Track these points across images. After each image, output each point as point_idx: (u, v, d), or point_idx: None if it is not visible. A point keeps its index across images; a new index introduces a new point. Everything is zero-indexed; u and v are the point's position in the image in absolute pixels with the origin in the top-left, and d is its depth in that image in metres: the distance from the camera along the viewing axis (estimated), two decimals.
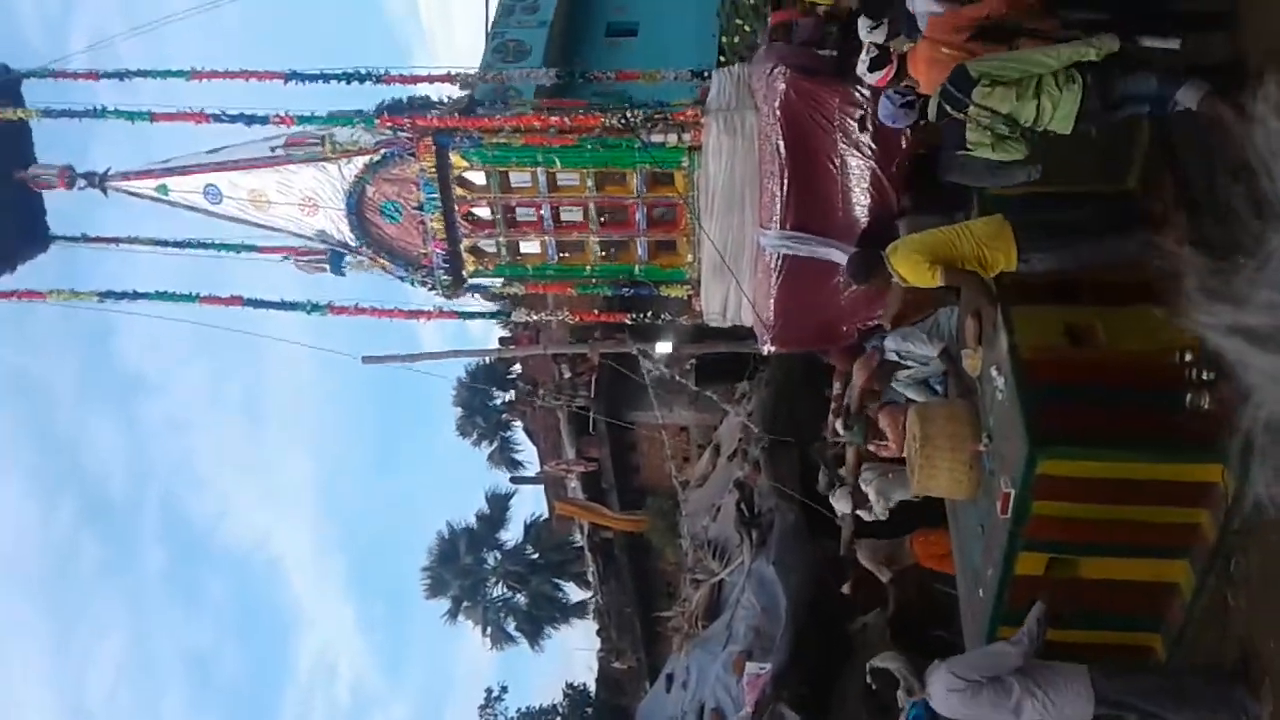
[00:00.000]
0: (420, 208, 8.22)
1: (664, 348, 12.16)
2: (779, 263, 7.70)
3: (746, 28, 12.45)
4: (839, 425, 8.25)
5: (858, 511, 8.52)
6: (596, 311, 10.29)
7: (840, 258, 7.44)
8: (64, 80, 8.81)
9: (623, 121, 7.95)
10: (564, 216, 8.28)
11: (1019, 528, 5.30)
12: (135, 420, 75.52)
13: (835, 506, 8.93)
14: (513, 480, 21.87)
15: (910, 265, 5.73)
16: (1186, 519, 5.19)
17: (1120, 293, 5.64)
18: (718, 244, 7.86)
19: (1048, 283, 5.88)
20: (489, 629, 21.01)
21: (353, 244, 8.53)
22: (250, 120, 8.13)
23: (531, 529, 21.42)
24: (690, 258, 8.15)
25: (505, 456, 21.54)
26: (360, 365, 12.36)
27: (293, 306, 8.92)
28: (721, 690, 10.87)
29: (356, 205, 8.41)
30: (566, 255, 8.36)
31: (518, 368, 19.60)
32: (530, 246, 8.45)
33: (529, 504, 21.73)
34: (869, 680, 5.46)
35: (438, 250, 8.26)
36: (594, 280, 8.56)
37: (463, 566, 20.71)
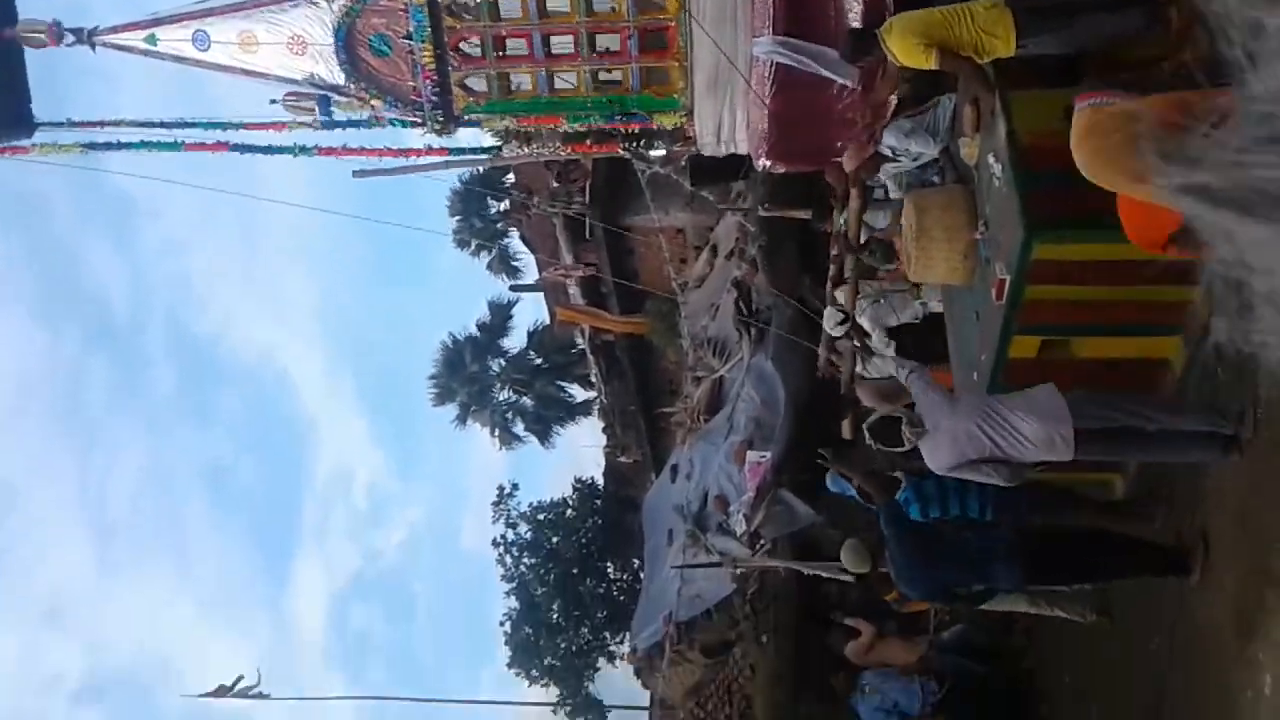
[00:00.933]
0: (409, 37, 8.07)
1: (657, 149, 11.96)
2: (772, 72, 7.64)
3: None
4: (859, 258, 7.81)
5: (860, 372, 8.58)
6: (590, 143, 9.93)
7: (831, 70, 7.46)
8: None
9: None
10: (555, 48, 8.22)
11: (1013, 312, 5.42)
12: (133, 243, 75.09)
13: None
14: (512, 288, 21.98)
15: (905, 46, 5.59)
16: (1179, 296, 5.29)
17: (1122, 71, 5.53)
18: (710, 61, 7.83)
19: (1048, 66, 5.76)
20: (498, 430, 21.62)
21: (342, 83, 8.37)
22: None
23: (534, 335, 21.69)
24: (683, 84, 8.01)
25: (504, 265, 21.55)
26: (354, 181, 12.26)
27: (280, 150, 8.80)
28: (724, 478, 11.35)
29: (345, 39, 8.27)
30: (558, 88, 8.27)
31: (511, 176, 19.37)
32: (521, 80, 8.38)
33: (530, 312, 21.88)
34: (869, 439, 5.70)
35: (427, 82, 8.15)
36: (587, 112, 8.43)
37: (469, 374, 21.10)
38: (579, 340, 20.03)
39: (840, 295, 8.28)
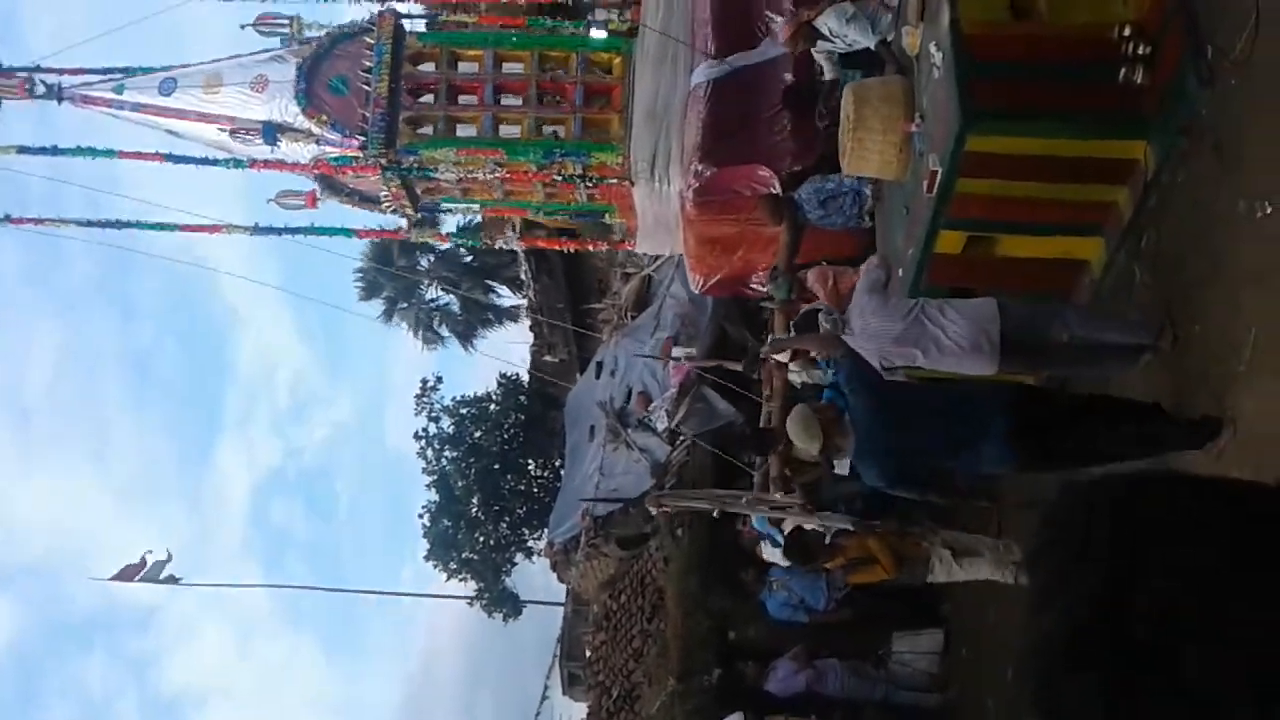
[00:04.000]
0: (368, 72, 8.30)
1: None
2: (707, 90, 8.05)
3: None
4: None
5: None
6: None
7: (760, 54, 8.03)
8: None
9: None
10: (505, 99, 8.73)
11: (943, 205, 5.37)
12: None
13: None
14: None
15: None
16: (1105, 196, 5.30)
17: None
18: (648, 96, 8.36)
19: None
20: (421, 330, 21.35)
21: (294, 116, 8.49)
22: None
23: (464, 231, 21.30)
24: (622, 131, 8.40)
25: None
26: None
27: (214, 163, 8.71)
28: (648, 375, 11.35)
29: (307, 79, 8.44)
30: (503, 132, 8.63)
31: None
32: (467, 129, 8.73)
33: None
34: (792, 330, 5.67)
35: (377, 111, 8.28)
36: (528, 155, 8.65)
37: (396, 269, 20.71)
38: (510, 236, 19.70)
39: None
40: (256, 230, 8.90)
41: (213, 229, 8.93)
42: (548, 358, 19.50)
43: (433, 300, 21.55)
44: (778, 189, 7.68)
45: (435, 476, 19.81)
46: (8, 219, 8.85)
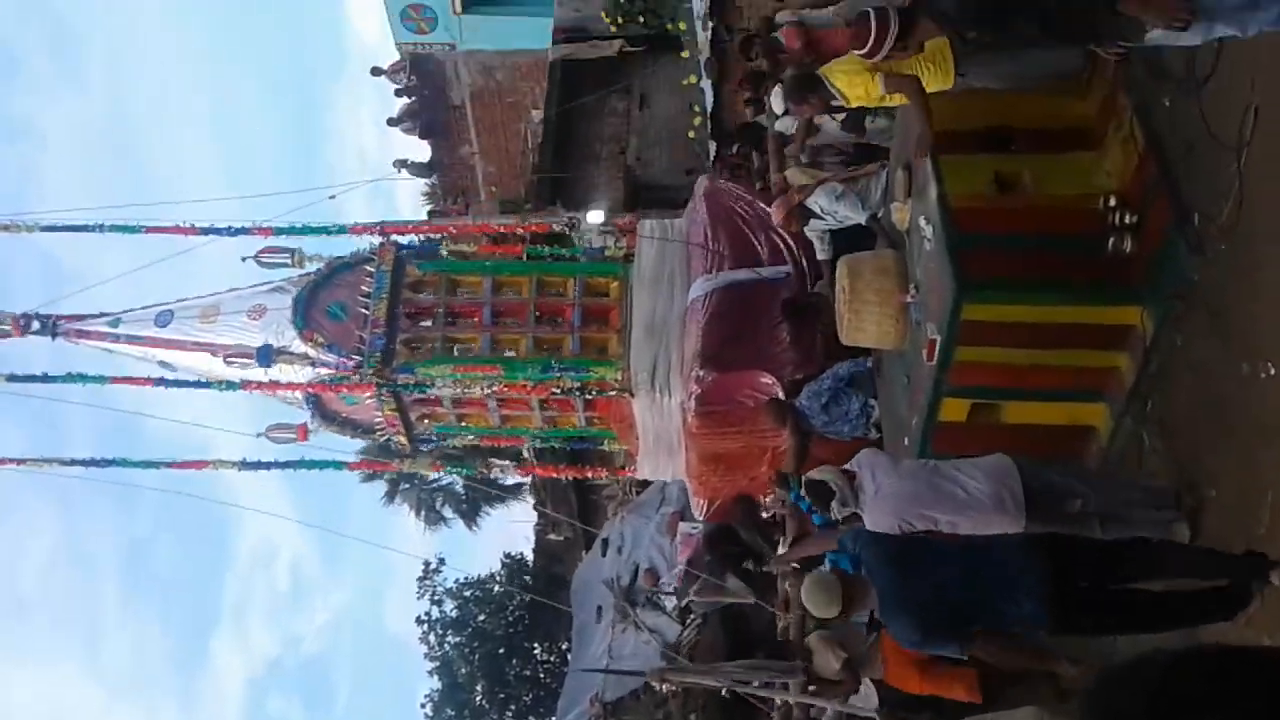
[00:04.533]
0: (367, 297, 8.48)
1: (596, 216, 11.96)
2: (706, 302, 8.14)
3: None
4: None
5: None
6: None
7: (756, 273, 8.18)
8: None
9: (567, 225, 9.51)
10: (502, 320, 8.83)
11: (944, 373, 5.38)
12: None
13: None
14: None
15: (849, 75, 5.55)
16: (1105, 362, 5.30)
17: (1051, 139, 5.63)
18: (646, 312, 8.47)
19: (979, 130, 5.83)
20: (423, 511, 21.14)
21: (291, 338, 8.56)
22: (234, 232, 8.50)
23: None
24: (620, 348, 8.48)
25: None
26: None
27: (207, 385, 8.70)
28: (655, 551, 11.11)
29: (305, 306, 8.63)
30: (499, 349, 8.73)
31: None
32: (466, 345, 8.85)
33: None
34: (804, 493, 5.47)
35: (375, 332, 8.40)
36: (525, 372, 8.69)
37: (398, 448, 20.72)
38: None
39: None
40: (244, 466, 8.76)
41: (199, 465, 8.78)
42: (552, 536, 19.23)
43: (434, 480, 21.43)
44: (780, 394, 7.58)
45: (438, 663, 19.19)
46: None
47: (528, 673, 19.15)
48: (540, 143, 14.89)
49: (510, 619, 19.01)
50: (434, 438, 9.38)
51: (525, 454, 9.63)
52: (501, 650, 18.77)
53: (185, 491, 9.26)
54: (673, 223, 9.11)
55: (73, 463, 8.65)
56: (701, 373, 7.84)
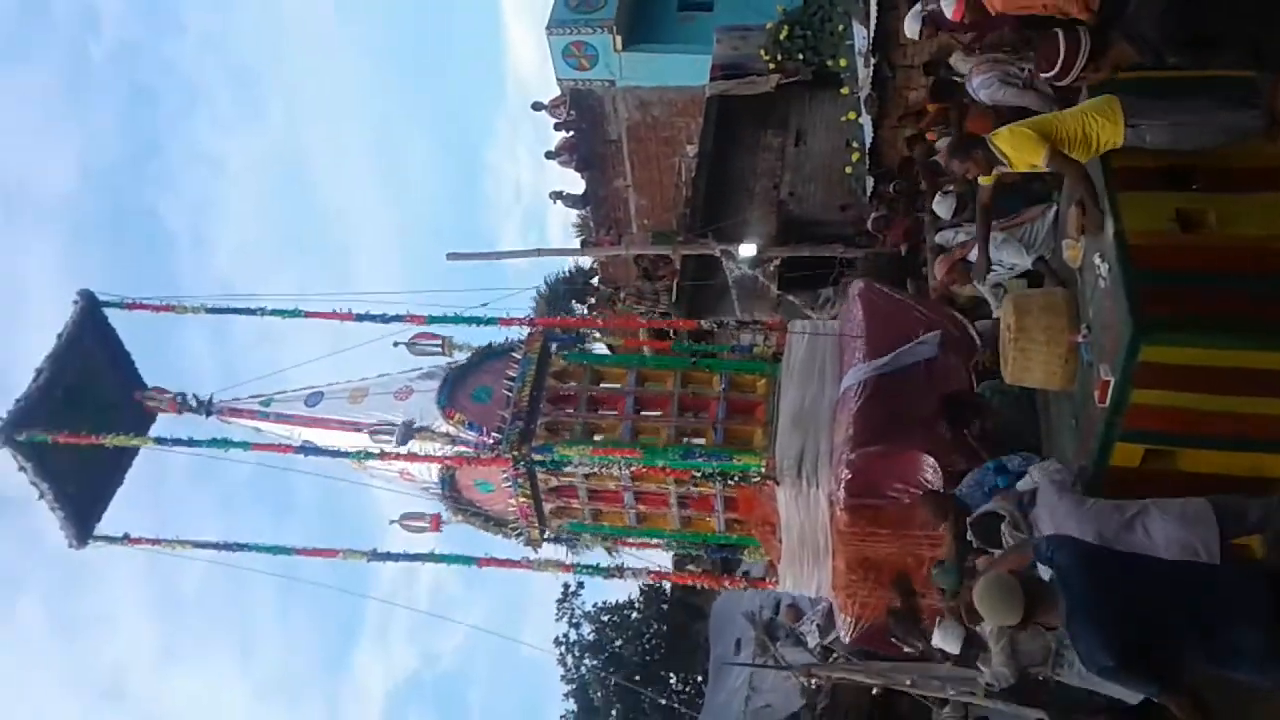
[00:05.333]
0: (510, 379, 8.53)
1: (748, 249, 12.08)
2: (860, 390, 7.65)
3: None
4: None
5: None
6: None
7: (911, 352, 7.66)
8: (137, 311, 8.96)
9: (715, 324, 9.61)
10: (644, 412, 8.64)
11: (1117, 417, 5.21)
12: (227, 336, 77.72)
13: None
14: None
15: (1015, 141, 5.49)
16: None
17: (1236, 178, 5.41)
18: (794, 402, 8.10)
19: (1159, 167, 5.65)
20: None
21: (434, 417, 8.58)
22: (389, 319, 8.68)
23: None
24: (765, 441, 8.09)
25: None
26: (447, 262, 12.59)
27: (344, 455, 8.53)
28: None
29: (451, 387, 8.71)
30: (641, 435, 8.45)
31: (596, 280, 19.72)
32: (605, 435, 8.61)
33: None
34: (969, 538, 5.33)
35: (515, 412, 8.35)
36: (665, 458, 8.31)
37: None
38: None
39: None
40: (374, 557, 8.68)
41: (329, 554, 8.65)
42: (690, 567, 19.30)
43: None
44: (939, 484, 6.96)
45: (574, 685, 19.41)
46: (126, 538, 8.95)
47: (662, 701, 19.14)
48: (694, 176, 15.12)
49: (647, 646, 19.11)
50: (565, 536, 9.08)
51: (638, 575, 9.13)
52: (637, 677, 18.85)
53: (317, 582, 9.16)
54: (824, 322, 8.98)
55: (204, 545, 8.81)
56: (853, 455, 7.17)
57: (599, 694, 18.83)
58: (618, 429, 8.34)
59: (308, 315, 8.82)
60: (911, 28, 8.08)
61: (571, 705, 19.28)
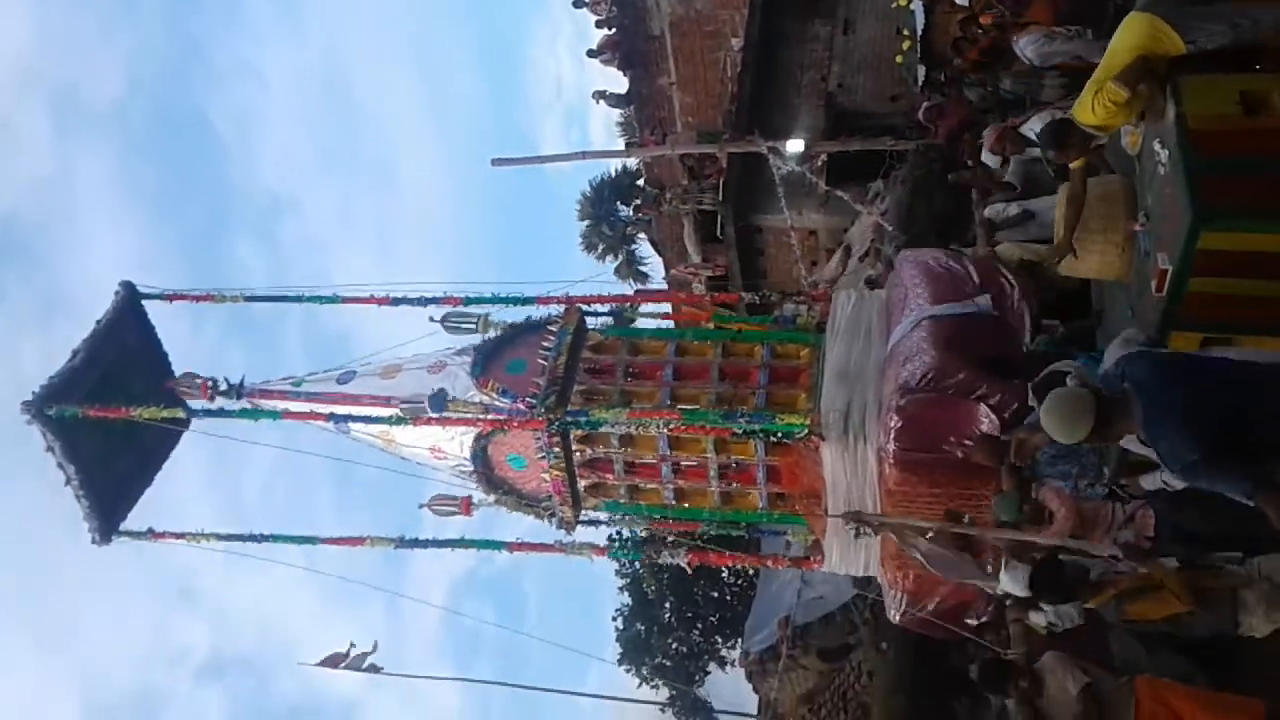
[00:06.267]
0: (547, 350, 8.20)
1: (796, 145, 11.92)
2: (907, 339, 7.14)
3: None
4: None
5: None
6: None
7: (962, 306, 7.12)
8: (179, 302, 8.94)
9: (761, 296, 9.06)
10: (684, 379, 8.10)
11: (1175, 305, 5.17)
12: (275, 239, 78.48)
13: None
14: (638, 293, 22.11)
15: (1090, 108, 5.39)
16: None
17: None
18: (840, 359, 7.62)
19: (1221, 54, 5.48)
20: None
21: (467, 387, 8.28)
22: (425, 301, 8.57)
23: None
24: (809, 404, 7.55)
25: (631, 269, 21.74)
26: (491, 167, 12.59)
27: (378, 420, 8.34)
28: None
29: (486, 358, 8.43)
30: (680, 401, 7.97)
31: (642, 180, 19.57)
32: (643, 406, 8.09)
33: (654, 321, 21.98)
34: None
35: (551, 378, 8.01)
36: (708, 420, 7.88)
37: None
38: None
39: None
40: (401, 544, 8.58)
41: (354, 541, 8.59)
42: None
43: None
44: (997, 430, 6.43)
45: (628, 579, 19.92)
46: (151, 532, 8.88)
47: (715, 594, 19.64)
48: (739, 71, 14.83)
49: (700, 540, 19.49)
50: (601, 518, 8.81)
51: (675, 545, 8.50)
52: (690, 571, 19.29)
53: (340, 575, 9.18)
54: (872, 292, 8.59)
55: (229, 537, 8.81)
56: (903, 401, 6.68)
57: (652, 587, 19.34)
58: (656, 396, 8.00)
59: (344, 301, 8.79)
60: None
61: (626, 599, 19.85)
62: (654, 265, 21.14)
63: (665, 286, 20.57)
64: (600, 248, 21.59)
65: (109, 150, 68.71)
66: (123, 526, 8.94)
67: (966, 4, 9.74)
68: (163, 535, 8.87)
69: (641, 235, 20.90)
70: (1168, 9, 5.28)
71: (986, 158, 8.55)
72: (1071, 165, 5.73)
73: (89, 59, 64.14)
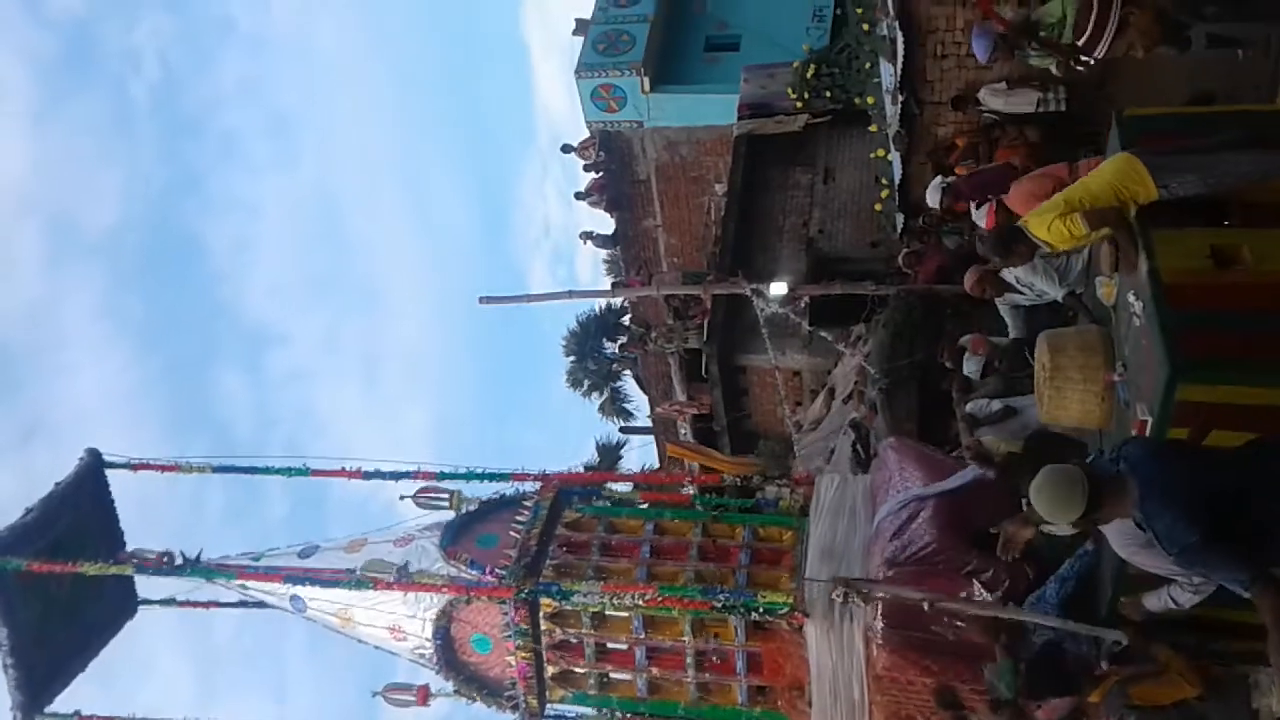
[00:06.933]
0: (520, 524, 8.10)
1: (779, 288, 12.08)
2: (893, 518, 7.12)
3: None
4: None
5: None
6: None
7: (947, 484, 7.08)
8: (142, 471, 8.82)
9: (741, 481, 8.84)
10: (661, 558, 8.01)
11: None
12: (261, 370, 78.64)
13: None
14: (623, 430, 22.08)
15: (1047, 225, 5.54)
16: None
17: (1272, 214, 5.38)
18: (824, 537, 7.55)
19: (1192, 205, 5.63)
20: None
21: (434, 559, 8.09)
22: (398, 476, 8.45)
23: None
24: (792, 584, 7.39)
25: (616, 407, 21.80)
26: (479, 306, 12.67)
27: (337, 585, 8.08)
28: None
29: (455, 531, 8.29)
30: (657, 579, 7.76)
31: (627, 319, 19.82)
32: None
33: (640, 457, 21.86)
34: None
35: (524, 549, 7.85)
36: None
37: None
38: (688, 488, 19.86)
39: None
40: None
41: None
42: None
43: None
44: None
45: None
46: (78, 715, 8.61)
47: None
48: (723, 215, 15.19)
49: None
50: (569, 714, 8.36)
51: None
52: None
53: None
54: (856, 476, 8.60)
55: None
56: (890, 574, 6.46)
57: None
58: (632, 573, 7.71)
59: (314, 474, 8.61)
60: (933, 198, 8.58)
61: None
62: (639, 403, 21.21)
63: (649, 424, 20.58)
64: (585, 384, 21.67)
65: (100, 277, 69.52)
66: (48, 709, 8.57)
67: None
68: (90, 719, 8.54)
69: (626, 372, 21.03)
70: (1146, 153, 5.45)
71: (966, 365, 8.83)
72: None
73: (85, 187, 65.44)
